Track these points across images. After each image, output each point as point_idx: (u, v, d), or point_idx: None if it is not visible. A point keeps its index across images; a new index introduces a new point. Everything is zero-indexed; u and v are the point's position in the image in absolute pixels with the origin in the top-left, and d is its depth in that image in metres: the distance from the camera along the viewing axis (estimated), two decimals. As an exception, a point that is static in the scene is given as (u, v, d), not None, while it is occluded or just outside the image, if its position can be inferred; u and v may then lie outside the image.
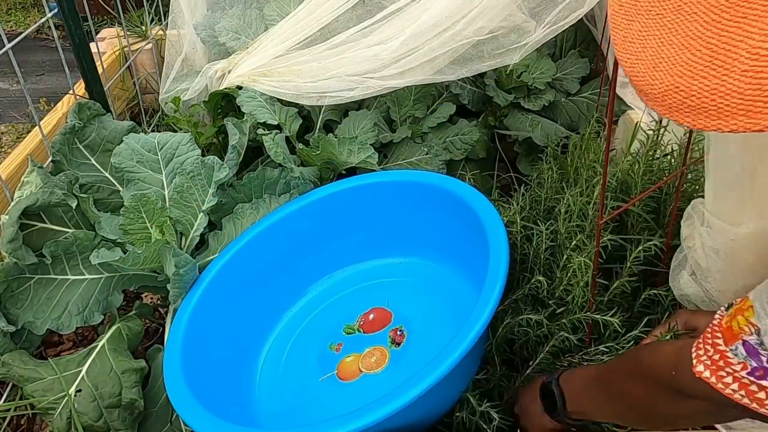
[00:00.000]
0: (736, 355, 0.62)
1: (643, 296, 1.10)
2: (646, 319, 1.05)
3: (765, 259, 0.88)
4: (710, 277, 0.95)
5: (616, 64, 0.80)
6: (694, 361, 0.67)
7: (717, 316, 0.69)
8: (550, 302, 1.11)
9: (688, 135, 1.03)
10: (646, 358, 0.80)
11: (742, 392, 0.61)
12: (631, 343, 1.04)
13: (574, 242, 1.06)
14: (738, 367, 0.62)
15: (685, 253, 1.00)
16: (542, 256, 1.14)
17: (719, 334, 0.66)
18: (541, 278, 1.10)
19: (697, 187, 1.20)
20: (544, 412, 0.98)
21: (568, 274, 1.05)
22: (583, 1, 1.19)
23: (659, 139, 1.29)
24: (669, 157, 1.28)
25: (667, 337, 0.93)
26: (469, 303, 1.15)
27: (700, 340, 0.68)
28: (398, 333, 1.23)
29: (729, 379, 0.63)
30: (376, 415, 0.87)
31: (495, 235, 1.08)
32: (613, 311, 1.03)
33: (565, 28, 1.26)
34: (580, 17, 1.23)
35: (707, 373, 0.65)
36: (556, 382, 0.97)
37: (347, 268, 1.40)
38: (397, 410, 0.87)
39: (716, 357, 0.64)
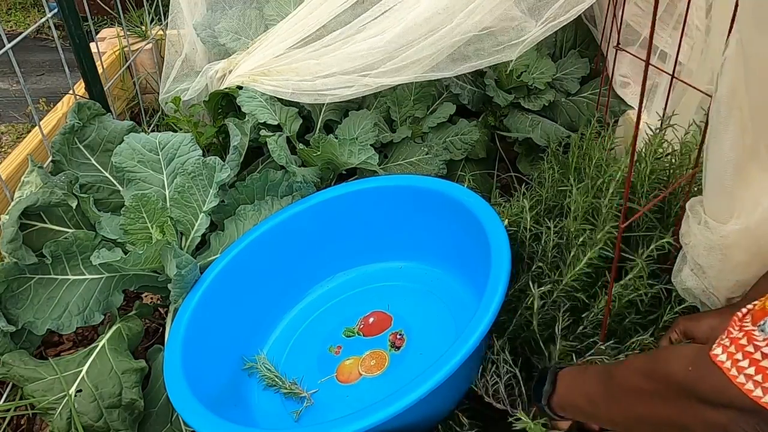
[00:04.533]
0: (763, 330, 0.61)
1: (650, 293, 1.09)
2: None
3: (756, 256, 0.88)
4: (706, 273, 0.95)
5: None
6: (714, 345, 0.65)
7: (747, 307, 0.66)
8: (556, 302, 1.11)
9: (702, 135, 1.03)
10: (662, 367, 0.73)
11: (759, 377, 0.60)
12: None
13: (582, 238, 1.06)
14: (762, 343, 0.60)
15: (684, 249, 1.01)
16: (549, 254, 1.14)
17: (748, 317, 0.64)
18: (545, 268, 1.10)
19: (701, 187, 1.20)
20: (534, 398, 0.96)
21: (576, 268, 1.04)
22: (580, -3, 1.19)
23: (661, 138, 1.29)
24: (671, 156, 1.27)
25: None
26: (469, 308, 1.16)
27: (731, 324, 0.66)
28: (398, 337, 1.23)
29: (745, 363, 0.61)
30: (374, 417, 0.87)
31: (497, 242, 1.08)
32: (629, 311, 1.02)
33: (564, 25, 1.25)
34: (579, 14, 1.23)
35: (723, 357, 0.63)
36: (553, 373, 0.94)
37: (348, 271, 1.40)
38: (396, 414, 0.87)
39: (739, 335, 0.63)
